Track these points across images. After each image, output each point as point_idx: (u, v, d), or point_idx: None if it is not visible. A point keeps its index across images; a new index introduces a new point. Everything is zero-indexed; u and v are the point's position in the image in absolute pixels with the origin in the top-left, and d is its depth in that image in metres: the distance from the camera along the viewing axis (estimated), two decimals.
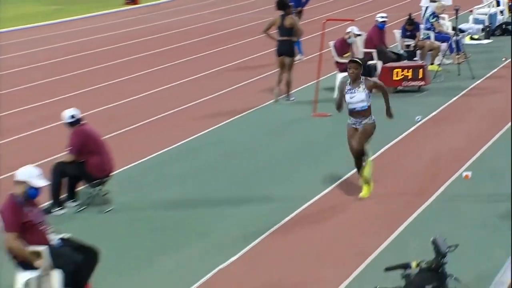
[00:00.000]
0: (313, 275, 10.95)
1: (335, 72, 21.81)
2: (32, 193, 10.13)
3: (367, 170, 13.53)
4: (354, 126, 13.39)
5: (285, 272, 11.12)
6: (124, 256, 11.79)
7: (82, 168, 13.61)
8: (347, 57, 20.96)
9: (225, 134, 18.64)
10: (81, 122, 13.81)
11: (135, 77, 25.69)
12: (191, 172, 15.92)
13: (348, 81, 13.36)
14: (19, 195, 10.02)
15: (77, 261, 9.97)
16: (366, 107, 13.23)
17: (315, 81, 20.23)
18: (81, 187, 14.01)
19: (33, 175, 10.10)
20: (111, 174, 14.02)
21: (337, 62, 21.66)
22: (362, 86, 13.17)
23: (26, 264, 9.85)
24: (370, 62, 21.89)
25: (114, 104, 21.86)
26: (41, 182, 10.17)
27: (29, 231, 9.93)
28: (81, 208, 13.72)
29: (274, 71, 22.18)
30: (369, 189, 13.55)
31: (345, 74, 21.11)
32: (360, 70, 13.31)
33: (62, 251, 10.01)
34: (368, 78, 13.51)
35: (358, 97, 13.16)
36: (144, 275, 11.22)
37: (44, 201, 12.48)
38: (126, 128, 19.09)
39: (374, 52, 22.47)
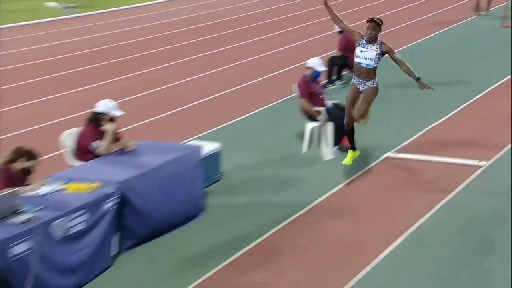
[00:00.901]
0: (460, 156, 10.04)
1: None
2: (316, 75, 10.37)
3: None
4: (357, 86, 9.01)
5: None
6: (383, 115, 11.68)
7: (346, 60, 13.71)
8: None
9: (437, 40, 18.13)
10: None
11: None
12: (420, 61, 15.54)
13: (365, 37, 8.72)
14: (309, 76, 10.32)
15: (341, 117, 10.11)
16: (372, 67, 8.72)
17: (504, 3, 19.20)
18: (344, 72, 14.08)
19: (317, 64, 10.37)
20: None
21: None
22: (377, 46, 8.64)
23: (312, 118, 10.15)
24: None
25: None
26: (321, 68, 10.43)
27: (314, 98, 10.21)
28: (344, 86, 13.79)
29: None
30: (352, 156, 9.45)
31: None
32: (379, 31, 8.67)
33: (333, 111, 10.20)
34: (385, 43, 8.74)
35: (369, 54, 8.64)
36: (382, 128, 11.21)
37: (323, 80, 12.73)
38: None
39: None
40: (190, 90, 14.27)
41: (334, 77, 13.94)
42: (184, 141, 10.14)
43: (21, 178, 6.83)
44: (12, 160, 6.79)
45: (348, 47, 13.81)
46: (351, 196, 8.60)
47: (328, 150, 10.00)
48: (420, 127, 11.10)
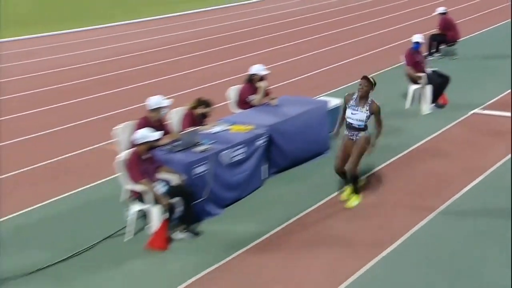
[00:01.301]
0: None
1: None
2: (416, 47, 9.98)
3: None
4: (351, 137, 6.74)
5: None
6: (473, 80, 11.32)
7: (444, 37, 13.25)
8: None
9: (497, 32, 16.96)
10: (446, 13, 13.33)
11: None
12: (503, 39, 14.66)
13: (354, 97, 6.69)
14: (413, 48, 9.99)
15: (437, 81, 9.83)
16: (363, 126, 6.66)
17: None
18: (442, 47, 13.47)
19: (420, 38, 10.02)
20: (458, 40, 13.40)
21: None
22: (367, 108, 6.58)
23: (414, 81, 9.84)
24: None
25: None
26: (422, 41, 10.07)
27: (417, 65, 9.90)
28: (441, 57, 13.32)
29: None
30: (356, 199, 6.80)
31: None
32: (370, 88, 6.60)
33: (431, 76, 9.88)
34: (375, 102, 6.66)
35: (359, 116, 6.59)
36: (471, 90, 10.78)
37: (425, 52, 12.31)
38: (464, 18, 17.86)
39: None
40: (318, 60, 14.29)
41: (433, 50, 13.44)
42: (315, 97, 10.27)
43: (200, 120, 7.28)
44: (194, 107, 7.25)
45: (446, 27, 13.30)
46: (444, 142, 8.47)
47: (426, 107, 9.82)
48: (503, 89, 10.63)
